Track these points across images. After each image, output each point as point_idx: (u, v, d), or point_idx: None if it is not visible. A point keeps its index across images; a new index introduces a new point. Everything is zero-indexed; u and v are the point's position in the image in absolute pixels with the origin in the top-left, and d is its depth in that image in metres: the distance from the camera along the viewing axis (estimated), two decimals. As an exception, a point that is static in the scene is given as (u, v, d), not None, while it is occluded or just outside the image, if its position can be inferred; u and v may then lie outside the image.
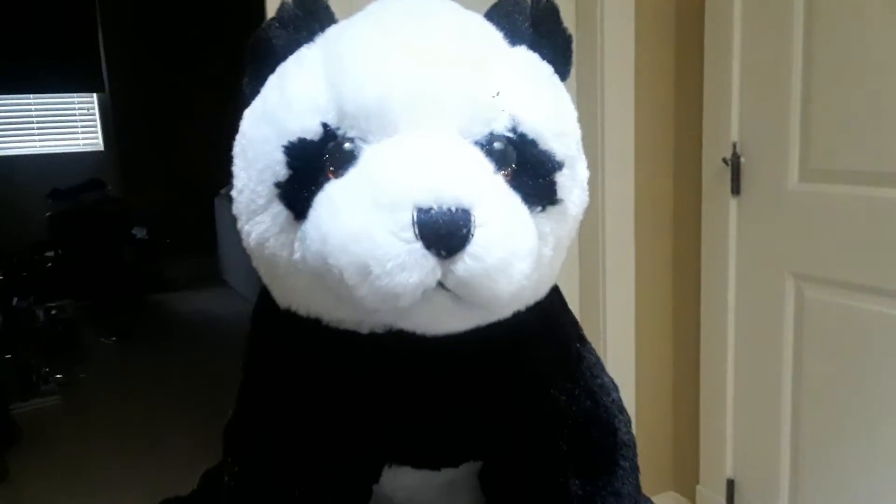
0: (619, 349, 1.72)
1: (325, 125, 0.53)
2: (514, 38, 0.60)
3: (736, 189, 1.57)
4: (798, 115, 1.43)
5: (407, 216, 0.47)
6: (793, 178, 1.46)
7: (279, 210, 0.55)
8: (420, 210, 0.47)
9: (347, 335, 0.59)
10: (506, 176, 0.54)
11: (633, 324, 1.75)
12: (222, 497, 0.66)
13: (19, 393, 2.98)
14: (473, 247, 0.48)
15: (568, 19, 1.30)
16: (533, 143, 0.56)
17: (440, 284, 0.49)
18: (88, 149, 5.20)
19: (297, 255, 0.54)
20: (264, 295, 0.64)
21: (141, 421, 2.77)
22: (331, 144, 0.53)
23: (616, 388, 0.72)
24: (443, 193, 0.48)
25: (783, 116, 1.45)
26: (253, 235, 0.57)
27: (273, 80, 0.58)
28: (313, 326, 0.60)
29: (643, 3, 1.63)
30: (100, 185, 4.81)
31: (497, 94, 0.55)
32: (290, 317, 0.61)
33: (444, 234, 0.47)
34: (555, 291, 0.69)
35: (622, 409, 0.72)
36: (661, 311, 1.81)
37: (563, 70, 0.63)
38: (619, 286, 1.71)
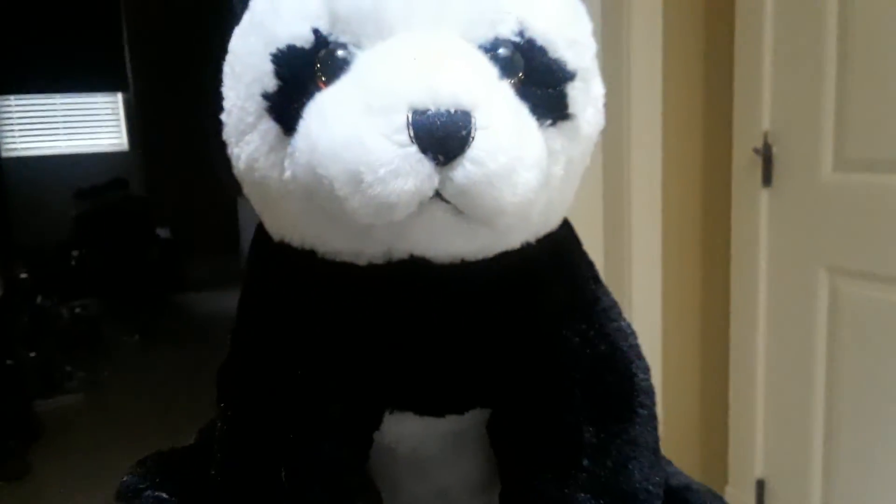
0: (644, 346, 1.65)
1: (316, 31, 0.50)
2: None
3: (767, 180, 1.52)
4: (832, 101, 1.38)
5: (401, 118, 0.44)
6: (826, 168, 1.41)
7: (268, 126, 0.52)
8: (415, 111, 0.44)
9: (345, 268, 0.56)
10: (512, 84, 0.50)
11: (659, 320, 1.71)
12: (215, 442, 0.63)
13: (42, 390, 3.00)
14: (474, 151, 0.45)
15: (593, 3, 1.28)
16: (542, 51, 0.52)
17: (438, 195, 0.46)
18: (113, 149, 5.26)
19: (287, 174, 0.51)
20: (259, 230, 0.62)
21: (162, 419, 2.77)
22: (322, 52, 0.50)
23: (634, 334, 0.69)
24: (440, 93, 0.45)
25: (816, 102, 1.40)
26: (242, 158, 0.55)
27: None
28: (308, 260, 0.57)
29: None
30: (124, 185, 4.85)
31: None
32: (284, 250, 0.58)
33: (442, 136, 0.44)
34: (567, 227, 0.66)
35: (640, 356, 0.68)
36: (689, 308, 1.76)
37: None
38: (645, 282, 1.67)
